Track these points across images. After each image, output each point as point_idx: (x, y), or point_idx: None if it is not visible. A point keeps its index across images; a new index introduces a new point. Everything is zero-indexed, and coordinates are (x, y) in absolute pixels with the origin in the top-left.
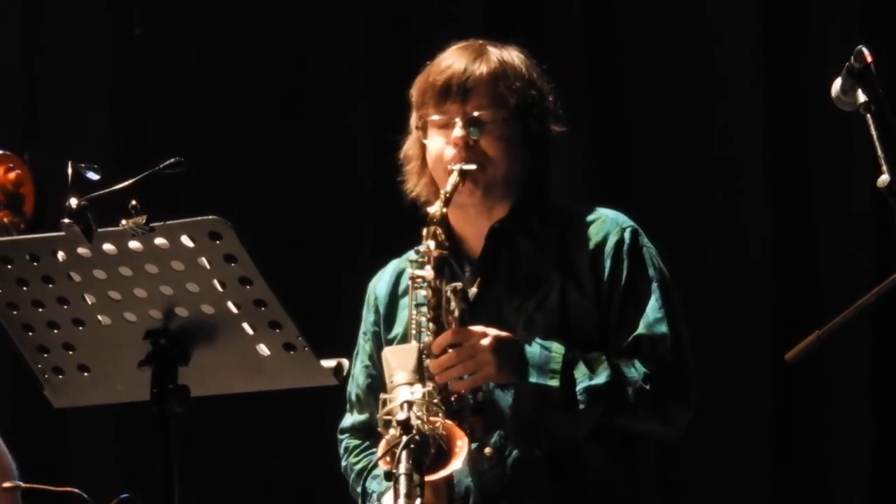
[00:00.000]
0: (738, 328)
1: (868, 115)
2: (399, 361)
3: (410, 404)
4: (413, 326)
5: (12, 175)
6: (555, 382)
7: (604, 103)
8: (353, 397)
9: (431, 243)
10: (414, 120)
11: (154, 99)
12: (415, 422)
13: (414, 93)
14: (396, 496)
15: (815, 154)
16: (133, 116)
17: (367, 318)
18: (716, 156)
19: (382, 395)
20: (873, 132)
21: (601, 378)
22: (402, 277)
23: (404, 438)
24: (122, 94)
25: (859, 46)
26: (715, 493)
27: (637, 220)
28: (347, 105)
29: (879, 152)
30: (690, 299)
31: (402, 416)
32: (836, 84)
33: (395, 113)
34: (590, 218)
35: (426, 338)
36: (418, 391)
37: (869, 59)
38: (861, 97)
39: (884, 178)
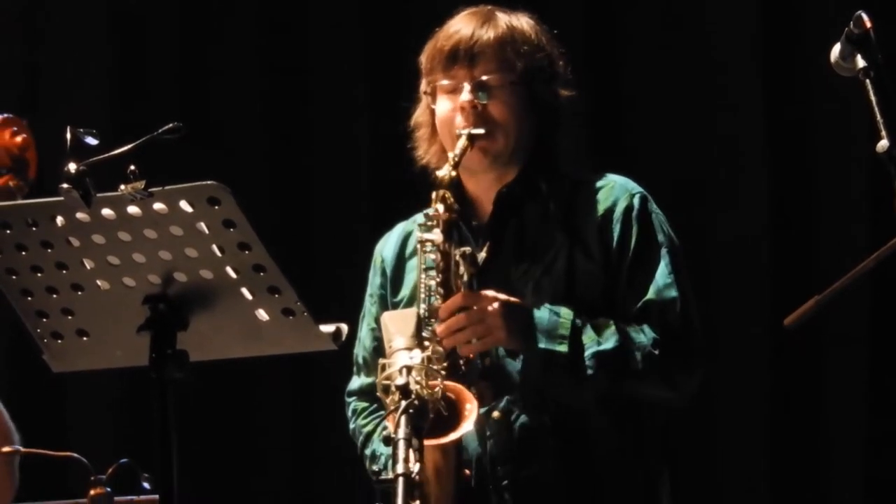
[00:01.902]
0: (737, 301)
1: (867, 81)
2: (398, 326)
3: (409, 369)
4: (422, 290)
5: (18, 139)
6: (563, 348)
7: (603, 82)
8: (360, 360)
9: (440, 206)
10: (423, 86)
11: (150, 73)
12: (413, 387)
13: (423, 59)
14: (395, 461)
15: (812, 126)
16: (131, 94)
17: (374, 281)
18: (716, 130)
19: (381, 360)
20: (872, 98)
21: (609, 343)
22: (409, 240)
23: (403, 403)
24: (119, 73)
25: (858, 12)
26: (711, 465)
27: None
28: (346, 81)
29: (878, 118)
30: (690, 273)
31: (400, 380)
32: (835, 50)
33: (394, 82)
34: (599, 184)
35: (435, 301)
36: (417, 356)
37: (868, 24)
38: (860, 63)
39: (882, 144)
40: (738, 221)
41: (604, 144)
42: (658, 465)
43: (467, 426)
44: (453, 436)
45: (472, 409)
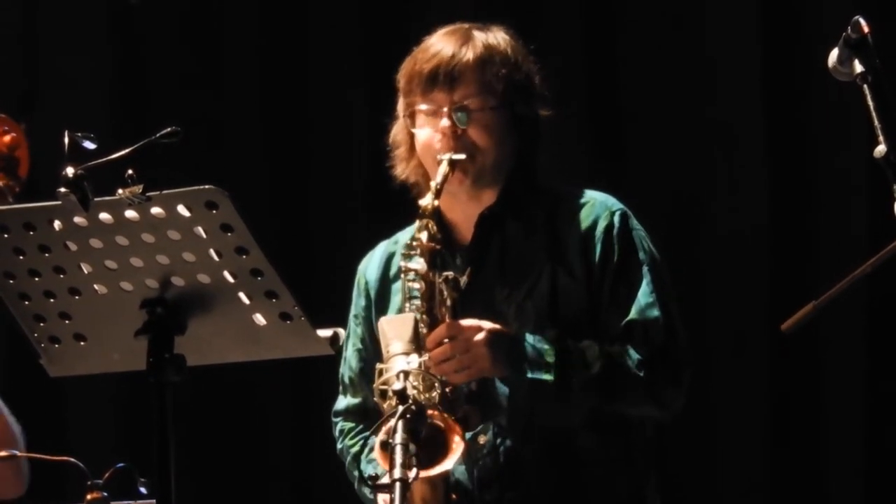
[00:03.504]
0: (735, 305)
1: (865, 86)
2: (395, 331)
3: (406, 374)
4: None
5: (7, 138)
6: (549, 376)
7: (600, 82)
8: (346, 380)
9: (424, 235)
10: (401, 107)
11: (150, 76)
12: (411, 391)
13: (401, 79)
14: (392, 465)
15: (812, 127)
16: (131, 96)
17: (358, 303)
18: (715, 133)
19: (378, 365)
20: (870, 103)
21: (595, 368)
22: (392, 261)
23: (400, 408)
24: (119, 74)
25: (856, 17)
26: (711, 471)
27: (633, 195)
28: (343, 85)
29: (876, 123)
30: (686, 275)
31: (398, 385)
32: (833, 55)
33: (390, 95)
34: (579, 201)
35: (421, 330)
36: (414, 361)
37: (866, 29)
38: (858, 67)
39: (880, 149)
40: (736, 225)
41: (602, 148)
42: (646, 475)
43: (454, 459)
44: (440, 468)
45: (459, 443)
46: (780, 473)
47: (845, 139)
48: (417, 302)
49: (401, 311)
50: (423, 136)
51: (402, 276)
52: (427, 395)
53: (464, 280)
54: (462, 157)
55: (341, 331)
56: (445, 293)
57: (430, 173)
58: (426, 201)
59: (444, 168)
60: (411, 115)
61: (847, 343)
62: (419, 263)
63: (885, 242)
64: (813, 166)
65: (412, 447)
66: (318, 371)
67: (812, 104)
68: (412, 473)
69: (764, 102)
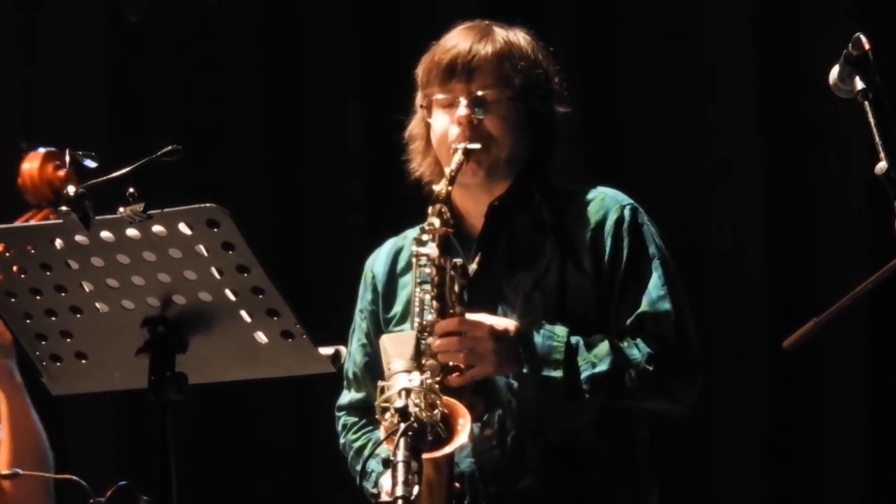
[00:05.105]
0: (734, 319)
1: (866, 103)
2: (397, 349)
3: (408, 392)
4: (416, 304)
5: (61, 173)
6: (558, 373)
7: (597, 91)
8: (350, 375)
9: (436, 221)
10: (419, 99)
11: (148, 89)
12: (412, 409)
13: (419, 71)
14: (394, 483)
15: (810, 141)
16: (127, 108)
17: (364, 297)
18: (710, 146)
19: (380, 383)
20: (871, 119)
21: (604, 365)
22: (400, 256)
23: (402, 426)
24: (116, 87)
25: (857, 34)
26: (710, 487)
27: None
28: (341, 94)
29: (877, 139)
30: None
31: (399, 403)
32: (834, 71)
33: (388, 100)
34: (589, 196)
35: (429, 316)
36: (416, 379)
37: (867, 46)
38: (859, 84)
39: (881, 165)
40: (734, 241)
41: (598, 165)
42: (649, 478)
43: (460, 440)
44: (446, 450)
45: (465, 424)
46: (778, 490)
47: (846, 153)
48: (427, 287)
49: (410, 299)
50: (439, 126)
51: (414, 260)
52: (428, 413)
53: (472, 267)
54: (477, 146)
55: (343, 348)
56: (454, 279)
57: (445, 163)
58: (440, 187)
59: (458, 156)
60: (428, 107)
61: (847, 359)
62: (431, 249)
63: (887, 259)
64: (813, 181)
65: (414, 465)
66: (320, 387)
67: (811, 118)
68: (415, 491)
69: (760, 121)
